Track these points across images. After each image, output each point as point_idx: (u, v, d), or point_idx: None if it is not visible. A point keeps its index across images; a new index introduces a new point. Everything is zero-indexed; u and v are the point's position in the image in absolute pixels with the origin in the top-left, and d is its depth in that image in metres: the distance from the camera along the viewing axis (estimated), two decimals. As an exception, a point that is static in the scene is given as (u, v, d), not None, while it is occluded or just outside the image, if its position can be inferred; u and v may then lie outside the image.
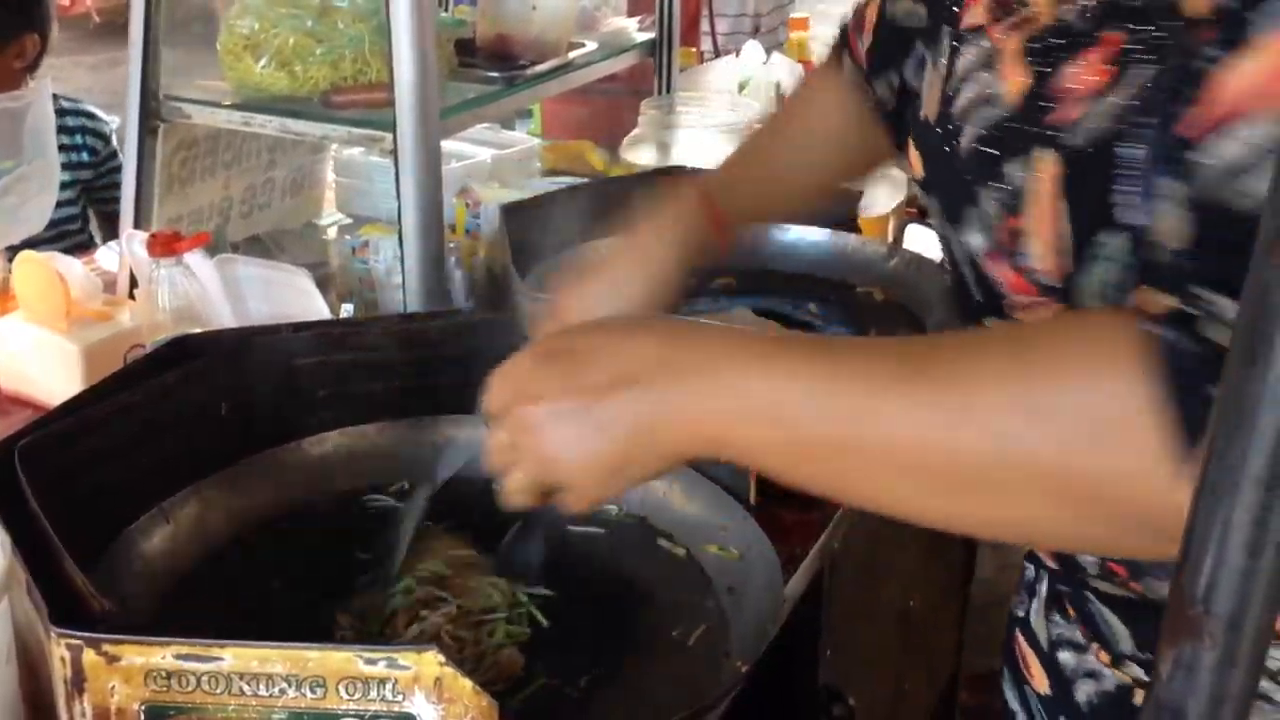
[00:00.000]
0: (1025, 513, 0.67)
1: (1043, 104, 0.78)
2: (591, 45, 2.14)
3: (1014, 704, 1.07)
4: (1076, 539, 0.72)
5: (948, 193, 0.90)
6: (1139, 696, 0.90)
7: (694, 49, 3.24)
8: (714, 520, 1.19)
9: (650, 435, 0.74)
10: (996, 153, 0.81)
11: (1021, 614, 1.05)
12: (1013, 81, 0.82)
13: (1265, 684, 0.83)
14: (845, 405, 0.69)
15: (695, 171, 1.85)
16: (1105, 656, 0.93)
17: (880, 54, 1.16)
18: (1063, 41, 0.79)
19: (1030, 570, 1.05)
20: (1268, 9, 0.62)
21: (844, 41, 1.23)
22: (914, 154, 0.98)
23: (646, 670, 1.06)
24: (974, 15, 0.89)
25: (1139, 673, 0.91)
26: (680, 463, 0.77)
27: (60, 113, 2.37)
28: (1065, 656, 0.97)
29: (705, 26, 3.61)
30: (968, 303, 0.89)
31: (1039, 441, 0.63)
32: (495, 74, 1.91)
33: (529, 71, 1.94)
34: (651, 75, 2.41)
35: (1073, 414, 0.63)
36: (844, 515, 1.30)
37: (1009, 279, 0.81)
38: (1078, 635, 0.97)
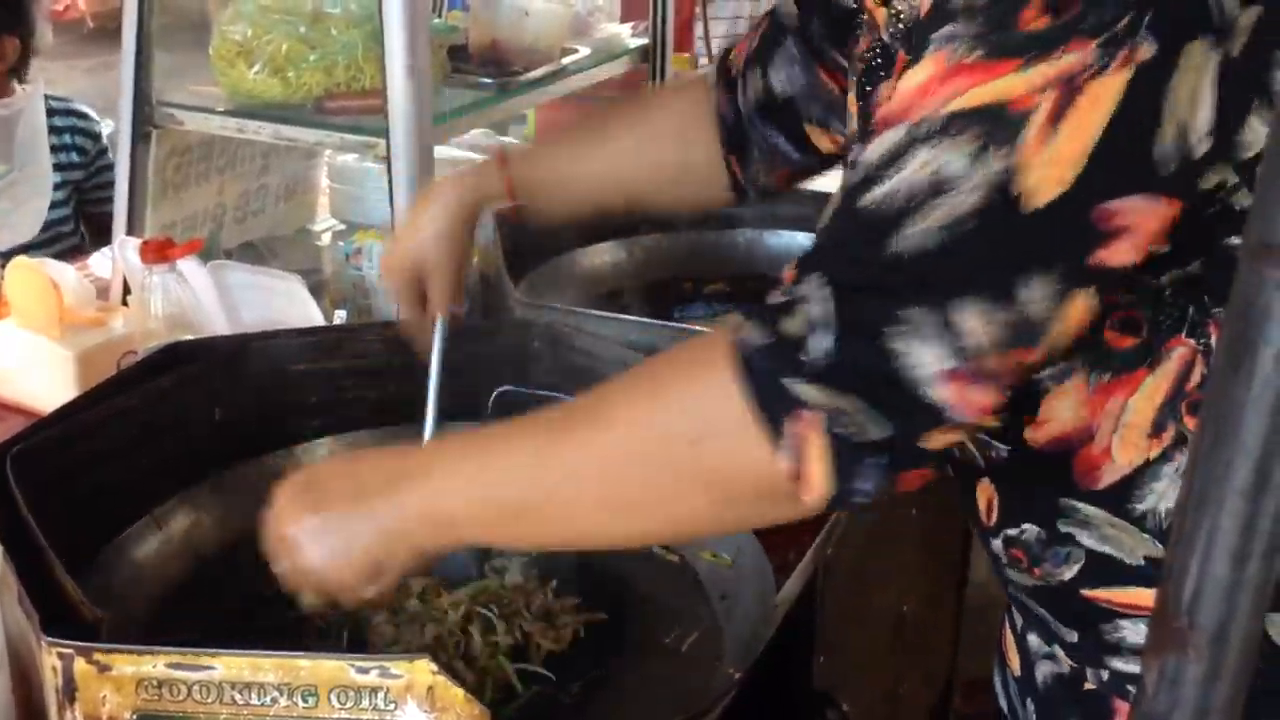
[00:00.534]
0: (685, 507, 0.79)
1: (868, 129, 0.84)
2: (585, 51, 2.14)
3: (998, 686, 1.10)
4: (730, 520, 0.83)
5: None
6: (1088, 684, 0.94)
7: (687, 54, 3.24)
8: (707, 526, 1.19)
9: (393, 537, 0.86)
10: None
11: (1008, 601, 1.08)
12: (854, 107, 0.90)
13: None
14: (526, 467, 0.82)
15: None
16: (1043, 638, 0.97)
17: (759, 48, 1.17)
18: (880, 63, 0.82)
19: None
20: (931, 30, 0.71)
21: (728, 52, 1.22)
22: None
23: (640, 677, 1.06)
24: (861, 43, 0.94)
25: (1067, 657, 0.95)
26: (428, 554, 0.89)
27: (49, 113, 2.34)
28: (1032, 638, 1.00)
29: (699, 31, 3.60)
30: None
31: (670, 449, 0.76)
32: (488, 80, 1.91)
33: (522, 77, 1.94)
34: (645, 81, 2.40)
35: (688, 421, 0.76)
36: (837, 521, 1.30)
37: None
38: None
